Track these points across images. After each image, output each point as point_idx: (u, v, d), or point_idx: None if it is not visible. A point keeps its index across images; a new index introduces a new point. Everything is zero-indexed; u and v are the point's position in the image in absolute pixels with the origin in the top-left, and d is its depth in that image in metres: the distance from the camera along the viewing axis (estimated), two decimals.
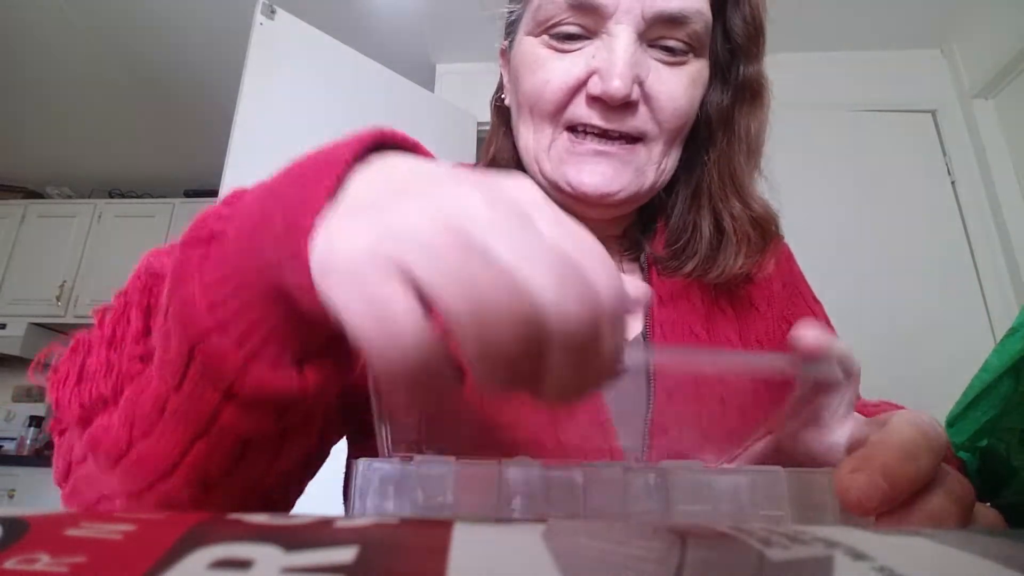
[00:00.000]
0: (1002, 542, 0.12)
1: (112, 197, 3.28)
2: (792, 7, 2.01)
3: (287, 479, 0.30)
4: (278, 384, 0.22)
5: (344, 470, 0.44)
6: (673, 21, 0.41)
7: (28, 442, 2.80)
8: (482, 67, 2.30)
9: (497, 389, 0.17)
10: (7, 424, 2.96)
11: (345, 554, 0.10)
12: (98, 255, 3.01)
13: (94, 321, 0.30)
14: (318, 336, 0.23)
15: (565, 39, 0.42)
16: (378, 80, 1.86)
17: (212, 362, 0.21)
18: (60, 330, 3.10)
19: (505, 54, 0.50)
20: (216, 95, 2.50)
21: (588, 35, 0.41)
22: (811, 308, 0.52)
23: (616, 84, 0.39)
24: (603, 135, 0.42)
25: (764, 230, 0.46)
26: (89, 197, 3.29)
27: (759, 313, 0.49)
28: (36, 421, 2.87)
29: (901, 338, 1.78)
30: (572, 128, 0.42)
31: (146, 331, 0.27)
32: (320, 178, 0.21)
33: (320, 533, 0.11)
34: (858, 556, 0.11)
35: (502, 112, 0.52)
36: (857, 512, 0.21)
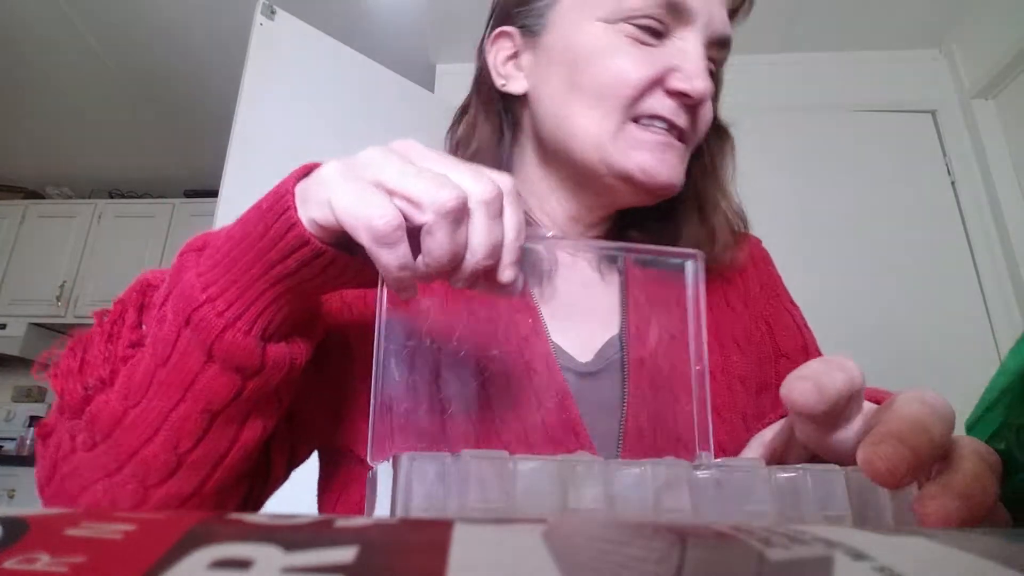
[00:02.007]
0: (1002, 542, 0.12)
1: (112, 197, 3.28)
2: (792, 7, 2.01)
3: (245, 465, 0.35)
4: (244, 348, 0.30)
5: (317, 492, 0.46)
6: (723, 45, 0.46)
7: (28, 442, 2.80)
8: None
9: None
10: (7, 424, 2.96)
11: (345, 554, 0.10)
12: (98, 255, 3.01)
13: (94, 321, 0.35)
14: (284, 323, 0.32)
15: (648, 32, 0.43)
16: (378, 80, 1.86)
17: (200, 326, 0.30)
18: (60, 330, 3.10)
19: (512, 37, 0.49)
20: (216, 95, 2.50)
21: (664, 35, 0.44)
22: (789, 311, 0.53)
23: (702, 84, 0.42)
24: (669, 129, 0.44)
25: (740, 223, 0.51)
26: (89, 197, 3.29)
27: (735, 313, 0.50)
28: (36, 421, 2.87)
29: (901, 338, 1.78)
30: (636, 119, 0.44)
31: (138, 323, 0.33)
32: (289, 179, 0.30)
33: (320, 533, 0.11)
34: (858, 556, 0.11)
35: (502, 98, 0.51)
36: (889, 482, 0.20)
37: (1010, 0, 1.82)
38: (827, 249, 1.91)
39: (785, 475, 0.22)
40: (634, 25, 0.43)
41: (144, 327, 0.33)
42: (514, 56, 0.50)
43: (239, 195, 1.45)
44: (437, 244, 0.26)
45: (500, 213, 0.28)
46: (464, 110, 0.55)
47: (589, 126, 0.44)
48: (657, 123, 0.44)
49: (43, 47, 2.32)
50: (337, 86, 1.73)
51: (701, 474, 0.22)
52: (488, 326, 0.43)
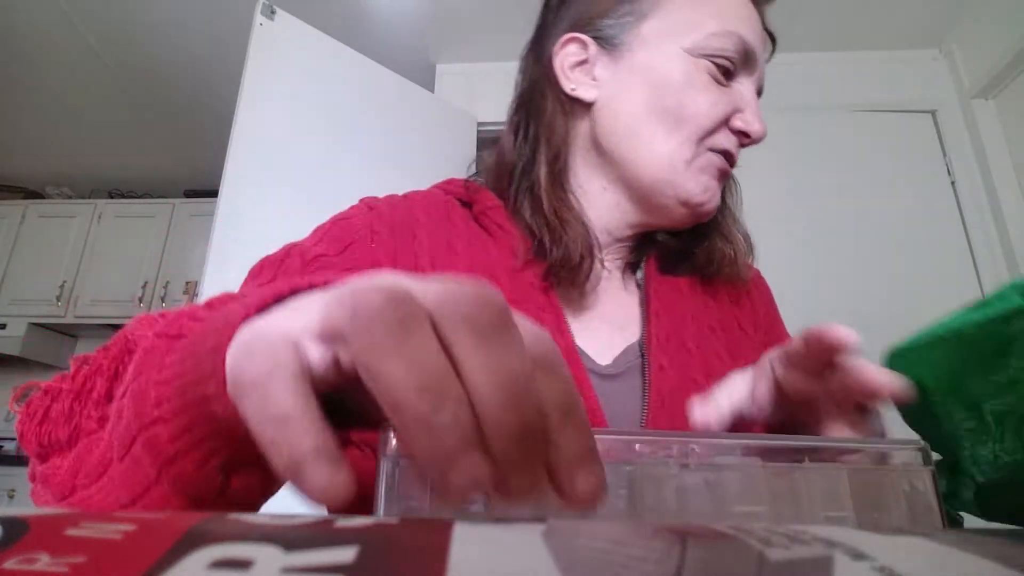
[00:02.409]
0: (1002, 542, 0.12)
1: (112, 197, 3.28)
2: (792, 7, 2.01)
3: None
4: (200, 481, 0.23)
5: None
6: (758, 94, 0.50)
7: None
8: (482, 67, 2.30)
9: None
10: (7, 424, 2.96)
11: (345, 554, 0.10)
12: (98, 255, 3.01)
13: (71, 368, 0.32)
14: (248, 449, 0.21)
15: (721, 72, 0.47)
16: (378, 80, 1.86)
17: (151, 445, 0.23)
18: (60, 330, 3.10)
19: (585, 45, 0.50)
20: (216, 95, 2.50)
21: (731, 77, 0.48)
22: (787, 337, 0.56)
23: (762, 128, 0.47)
24: (727, 161, 0.49)
25: (749, 247, 0.54)
26: (89, 197, 3.29)
27: (747, 335, 0.52)
28: None
29: (901, 337, 1.78)
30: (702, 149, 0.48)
31: (108, 397, 0.29)
32: (240, 308, 0.22)
33: (320, 533, 0.11)
34: (858, 556, 0.11)
35: (573, 103, 0.51)
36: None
37: (1010, 0, 1.82)
38: (827, 249, 1.91)
39: (781, 475, 0.22)
40: (713, 63, 0.46)
41: (113, 402, 0.28)
42: (582, 63, 0.50)
43: (239, 195, 1.46)
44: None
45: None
46: (522, 105, 0.54)
47: (663, 148, 0.47)
48: (718, 155, 0.48)
49: (43, 47, 2.32)
50: (337, 86, 1.73)
51: (688, 473, 0.22)
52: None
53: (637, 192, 0.49)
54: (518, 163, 0.50)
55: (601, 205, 0.51)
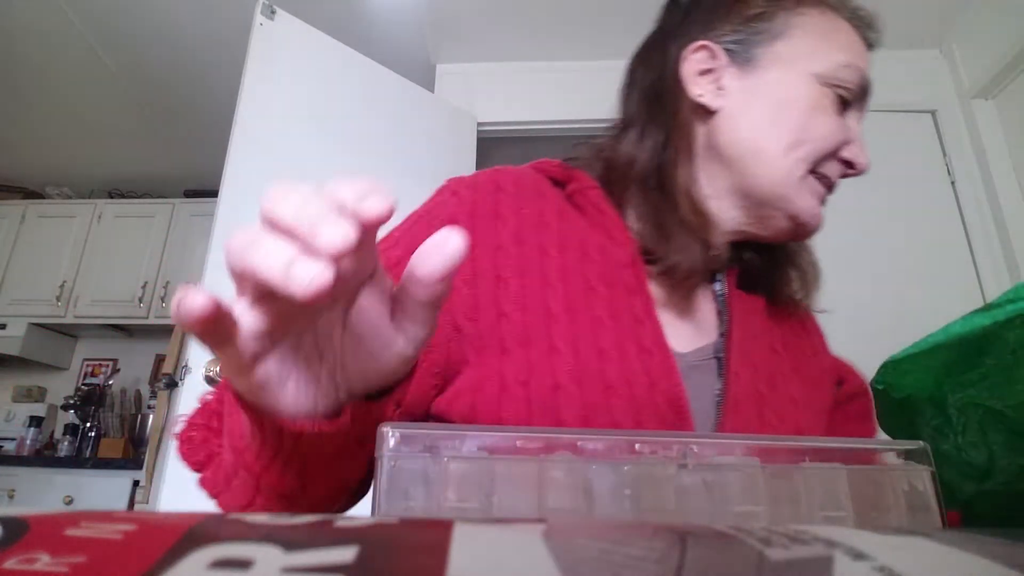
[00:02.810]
0: (1002, 542, 0.12)
1: (112, 197, 3.28)
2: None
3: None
4: (284, 488, 0.32)
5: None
6: None
7: (28, 442, 2.80)
8: (482, 67, 2.30)
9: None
10: (7, 424, 2.96)
11: (345, 554, 0.10)
12: (98, 255, 3.01)
13: (199, 404, 0.44)
14: (314, 452, 0.31)
15: (840, 103, 0.50)
16: (378, 80, 1.86)
17: (246, 468, 0.33)
18: (60, 330, 3.10)
19: (715, 55, 0.51)
20: (216, 95, 2.50)
21: (846, 109, 0.50)
22: (833, 361, 0.59)
23: (868, 162, 0.50)
24: (829, 188, 0.51)
25: (817, 277, 0.57)
26: (89, 197, 3.29)
27: (806, 356, 0.56)
28: (36, 421, 2.87)
29: (901, 338, 1.77)
30: (812, 171, 0.50)
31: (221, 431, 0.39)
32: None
33: (320, 533, 0.11)
34: (858, 556, 0.11)
35: (697, 108, 0.52)
36: None
37: (1010, 0, 1.82)
38: (827, 249, 1.90)
39: (779, 475, 0.22)
40: (836, 93, 0.49)
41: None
42: (709, 72, 0.52)
43: (239, 195, 1.46)
44: None
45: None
46: (643, 104, 0.55)
47: (781, 164, 0.49)
48: (823, 181, 0.50)
49: (43, 47, 2.32)
50: (337, 86, 1.73)
51: (687, 473, 0.22)
52: (603, 302, 0.46)
53: (749, 201, 0.50)
54: (635, 161, 0.52)
55: (716, 205, 0.52)
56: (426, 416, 0.46)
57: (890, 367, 0.26)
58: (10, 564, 0.09)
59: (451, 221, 0.47)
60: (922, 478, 0.24)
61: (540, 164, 0.56)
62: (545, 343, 0.43)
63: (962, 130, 2.02)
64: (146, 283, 2.93)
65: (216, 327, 0.23)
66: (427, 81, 2.20)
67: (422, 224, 0.49)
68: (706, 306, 0.54)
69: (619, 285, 0.47)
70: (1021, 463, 0.23)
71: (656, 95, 0.53)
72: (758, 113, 0.50)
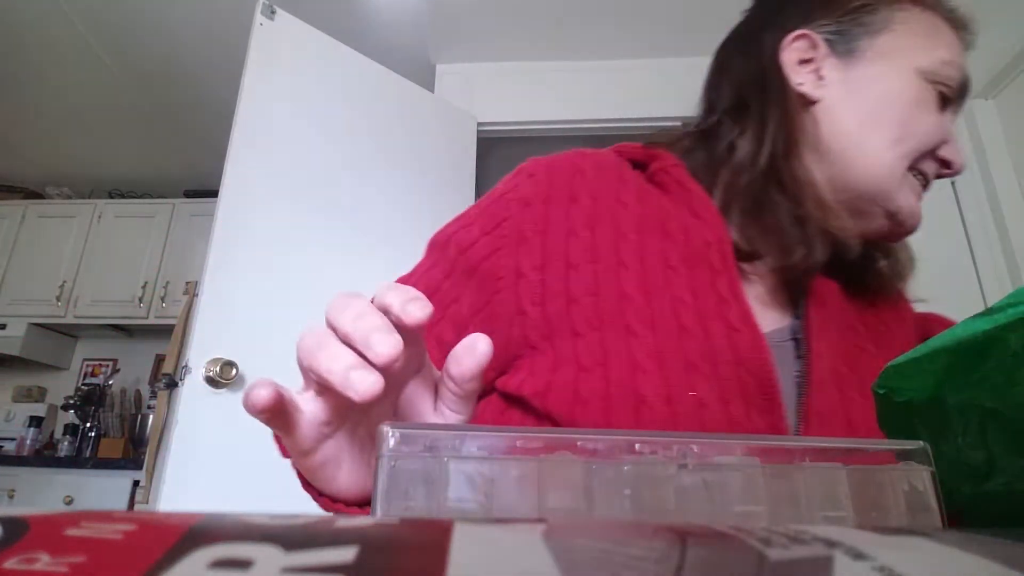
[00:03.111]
0: (1002, 542, 0.12)
1: (112, 197, 3.28)
2: None
3: None
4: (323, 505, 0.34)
5: None
6: None
7: (28, 442, 2.80)
8: (482, 67, 2.30)
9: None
10: (7, 424, 2.96)
11: (345, 554, 0.10)
12: (98, 255, 3.01)
13: None
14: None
15: (941, 100, 0.49)
16: (378, 80, 1.86)
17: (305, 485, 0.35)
18: (60, 330, 3.10)
19: (815, 45, 0.51)
20: (216, 95, 2.50)
21: (944, 108, 0.50)
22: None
23: (964, 162, 0.50)
24: (925, 187, 0.51)
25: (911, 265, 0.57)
26: (89, 197, 3.29)
27: (890, 330, 0.55)
28: (36, 421, 2.87)
29: None
30: (910, 168, 0.49)
31: None
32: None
33: (320, 533, 0.11)
34: (858, 556, 0.11)
35: (793, 97, 0.51)
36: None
37: (1010, 0, 1.82)
38: None
39: (778, 475, 0.22)
40: (938, 90, 0.48)
41: None
42: (808, 61, 0.51)
43: (239, 195, 1.46)
44: None
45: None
46: (741, 91, 0.54)
47: (886, 158, 0.48)
48: (920, 177, 0.50)
49: (43, 47, 2.32)
50: (337, 86, 1.73)
51: (687, 473, 0.22)
52: (683, 281, 0.46)
53: (846, 195, 0.49)
54: (735, 150, 0.51)
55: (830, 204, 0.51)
56: (489, 392, 0.47)
57: (891, 371, 0.26)
58: (10, 564, 0.09)
59: (525, 203, 0.48)
60: (922, 478, 0.24)
61: (621, 147, 0.55)
62: (620, 325, 0.43)
63: (962, 130, 2.02)
64: (146, 283, 2.93)
65: (281, 416, 0.26)
66: (427, 81, 2.20)
67: (498, 205, 0.49)
68: (780, 287, 0.53)
69: (703, 265, 0.46)
70: (1021, 464, 0.23)
71: (758, 84, 0.52)
72: (861, 106, 0.49)
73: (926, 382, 0.25)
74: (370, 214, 1.70)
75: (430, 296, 0.47)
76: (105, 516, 0.11)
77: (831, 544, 0.11)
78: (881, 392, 0.27)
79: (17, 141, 2.96)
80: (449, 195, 1.96)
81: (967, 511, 0.26)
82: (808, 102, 0.51)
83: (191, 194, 3.20)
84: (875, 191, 0.48)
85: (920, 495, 0.23)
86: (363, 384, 0.24)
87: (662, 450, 0.23)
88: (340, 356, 0.26)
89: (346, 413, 0.29)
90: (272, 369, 1.59)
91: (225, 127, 1.50)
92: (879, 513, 0.23)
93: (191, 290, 2.43)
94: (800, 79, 0.51)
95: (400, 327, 0.26)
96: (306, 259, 1.52)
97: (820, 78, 0.50)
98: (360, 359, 0.25)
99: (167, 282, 2.92)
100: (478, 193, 2.32)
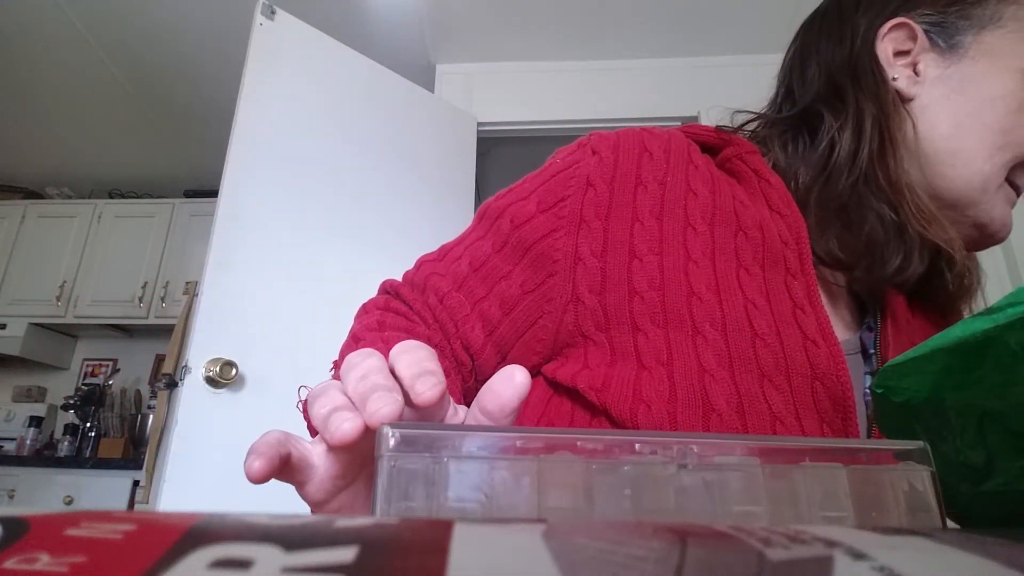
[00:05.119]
0: (1003, 542, 0.12)
1: (112, 197, 3.28)
2: (793, 7, 2.01)
3: None
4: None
5: None
6: None
7: (28, 442, 2.80)
8: (482, 67, 2.30)
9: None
10: (7, 424, 2.96)
11: (345, 554, 0.10)
12: (98, 255, 3.01)
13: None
14: None
15: None
16: (378, 80, 1.86)
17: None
18: (60, 330, 3.10)
19: (914, 36, 0.47)
20: (216, 95, 2.50)
21: None
22: None
23: None
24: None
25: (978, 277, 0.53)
26: (89, 197, 3.29)
27: None
28: (36, 421, 2.87)
29: None
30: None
31: None
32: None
33: (320, 533, 0.11)
34: (858, 556, 0.11)
35: (891, 90, 0.47)
36: None
37: None
38: None
39: (778, 475, 0.22)
40: None
41: None
42: (904, 53, 0.47)
43: (239, 195, 1.46)
44: None
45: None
46: (832, 91, 0.49)
47: (981, 167, 0.44)
48: (1014, 188, 0.46)
49: (43, 47, 2.32)
50: (337, 86, 1.73)
51: (687, 473, 0.22)
52: (757, 283, 0.42)
53: (936, 203, 0.46)
54: (836, 146, 0.46)
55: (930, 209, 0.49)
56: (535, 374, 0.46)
57: (889, 371, 0.26)
58: (10, 564, 0.09)
59: (587, 183, 0.45)
60: (922, 478, 0.24)
61: (690, 128, 0.51)
62: (687, 325, 0.40)
63: None
64: (146, 283, 2.93)
65: (290, 473, 0.26)
66: (427, 81, 2.20)
67: (557, 181, 0.46)
68: (850, 296, 0.50)
69: (778, 265, 0.43)
70: (1021, 464, 0.23)
71: (851, 74, 0.48)
72: (961, 107, 0.45)
73: (924, 382, 0.25)
74: (370, 214, 1.70)
75: (476, 270, 0.47)
76: (105, 516, 0.11)
77: (831, 544, 0.11)
78: (879, 392, 0.27)
79: (17, 141, 2.96)
80: (449, 195, 1.96)
81: (967, 511, 0.26)
82: (902, 99, 0.46)
83: (191, 194, 3.20)
84: (967, 201, 0.45)
85: (920, 495, 0.23)
86: (339, 430, 0.23)
87: (662, 450, 0.23)
88: (329, 402, 0.25)
89: (363, 463, 0.27)
90: (272, 369, 1.58)
91: (225, 127, 1.49)
92: (879, 513, 0.23)
93: (191, 290, 2.43)
94: (895, 73, 0.47)
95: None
96: (306, 259, 1.52)
97: (916, 73, 0.46)
98: (348, 402, 0.25)
99: (167, 282, 2.92)
100: (478, 193, 2.32)
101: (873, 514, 0.23)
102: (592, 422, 0.42)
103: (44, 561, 0.09)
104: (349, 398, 0.25)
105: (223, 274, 1.39)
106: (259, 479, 0.24)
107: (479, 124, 2.16)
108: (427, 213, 1.86)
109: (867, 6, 0.49)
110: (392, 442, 0.20)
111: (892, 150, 0.45)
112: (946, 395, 0.24)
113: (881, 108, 0.46)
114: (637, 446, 0.22)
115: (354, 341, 0.43)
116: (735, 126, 0.53)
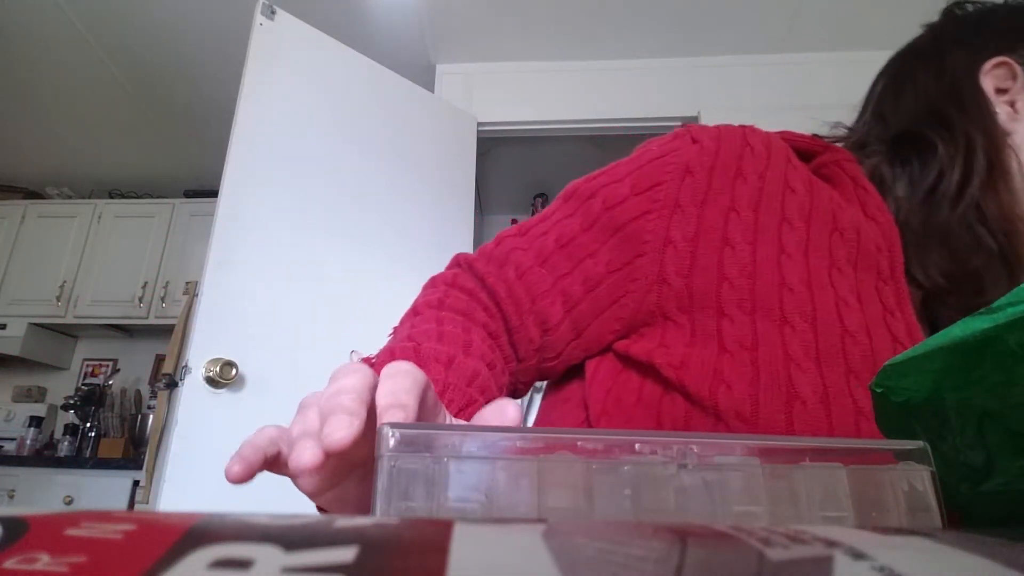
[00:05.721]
0: (1003, 542, 0.12)
1: (112, 197, 3.28)
2: (792, 7, 2.01)
3: None
4: None
5: None
6: None
7: (28, 442, 2.80)
8: (482, 67, 2.30)
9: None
10: (7, 424, 2.96)
11: (345, 554, 0.10)
12: (98, 255, 3.01)
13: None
14: None
15: None
16: (378, 80, 1.86)
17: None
18: (60, 330, 3.10)
19: (1016, 76, 0.49)
20: (216, 95, 2.50)
21: None
22: None
23: None
24: None
25: None
26: (89, 197, 3.29)
27: None
28: (36, 421, 2.87)
29: None
30: None
31: None
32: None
33: (320, 533, 0.11)
34: (858, 556, 0.11)
35: (998, 122, 0.48)
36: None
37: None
38: None
39: (778, 475, 0.22)
40: None
41: None
42: (1004, 92, 0.49)
43: (239, 195, 1.46)
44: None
45: None
46: (937, 119, 0.50)
47: None
48: None
49: (43, 47, 2.32)
50: (337, 86, 1.73)
51: (687, 473, 0.22)
52: (849, 283, 0.42)
53: (1010, 238, 0.46)
54: (946, 173, 0.47)
55: None
56: (606, 351, 0.47)
57: (889, 370, 0.26)
58: (10, 564, 0.09)
59: (686, 170, 0.45)
60: (922, 478, 0.24)
61: (786, 133, 0.53)
62: (776, 314, 0.40)
63: None
64: (146, 283, 2.93)
65: (283, 469, 0.26)
66: (427, 81, 2.20)
67: (654, 167, 0.47)
68: (920, 311, 0.50)
69: (871, 269, 0.44)
70: (1021, 464, 0.23)
71: (956, 103, 0.49)
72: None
73: (924, 381, 0.25)
74: (370, 214, 1.70)
75: (563, 247, 0.48)
76: (105, 516, 0.11)
77: (831, 544, 0.11)
78: (879, 391, 0.27)
79: (17, 141, 2.96)
80: (449, 195, 1.96)
81: (966, 511, 0.26)
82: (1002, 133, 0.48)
83: (191, 194, 3.20)
84: None
85: (920, 495, 0.23)
86: (299, 459, 0.23)
87: (662, 450, 0.23)
88: (302, 422, 0.25)
89: (353, 463, 0.27)
90: (272, 369, 1.58)
91: (225, 127, 1.49)
92: (879, 513, 0.23)
93: (191, 290, 2.43)
94: (996, 108, 0.48)
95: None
96: (306, 259, 1.52)
97: (1015, 111, 0.48)
98: (318, 427, 0.24)
99: (167, 282, 2.92)
100: (478, 193, 2.31)
101: (873, 514, 0.23)
102: (664, 398, 0.41)
103: (44, 561, 0.09)
104: None
105: (223, 274, 1.39)
106: (236, 482, 0.25)
107: (479, 124, 2.16)
108: (427, 213, 1.86)
109: (967, 44, 0.51)
110: (392, 442, 0.20)
111: (1004, 182, 0.46)
112: (946, 395, 0.24)
113: (991, 140, 0.47)
114: (637, 446, 0.22)
115: (413, 314, 0.45)
116: (831, 136, 0.54)
